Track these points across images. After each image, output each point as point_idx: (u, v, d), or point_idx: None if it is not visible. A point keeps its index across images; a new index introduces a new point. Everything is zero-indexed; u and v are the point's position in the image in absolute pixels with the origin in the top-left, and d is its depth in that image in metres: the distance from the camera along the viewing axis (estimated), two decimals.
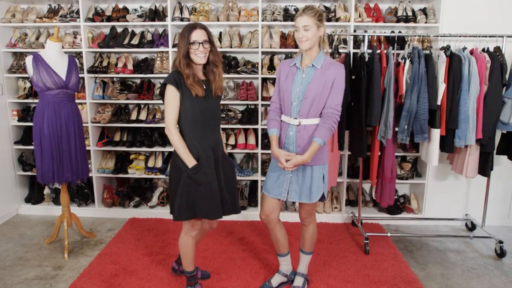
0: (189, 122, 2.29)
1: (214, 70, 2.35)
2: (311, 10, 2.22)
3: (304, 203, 2.42)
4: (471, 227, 3.68)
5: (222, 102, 3.72)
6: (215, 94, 2.36)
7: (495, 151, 3.26)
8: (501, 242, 3.17)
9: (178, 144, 2.26)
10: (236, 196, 2.54)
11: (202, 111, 2.29)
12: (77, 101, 3.71)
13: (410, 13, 3.61)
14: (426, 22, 3.54)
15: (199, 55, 2.24)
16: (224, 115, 3.76)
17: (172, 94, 2.24)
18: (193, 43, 2.22)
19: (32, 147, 3.76)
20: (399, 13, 3.61)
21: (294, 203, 3.87)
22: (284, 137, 2.37)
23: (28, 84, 3.95)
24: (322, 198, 2.40)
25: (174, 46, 3.68)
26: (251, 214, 3.81)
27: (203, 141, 2.31)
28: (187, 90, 2.23)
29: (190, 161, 2.26)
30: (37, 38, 3.87)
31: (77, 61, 3.57)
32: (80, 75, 3.68)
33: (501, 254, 3.17)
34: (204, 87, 2.31)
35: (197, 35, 2.23)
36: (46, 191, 4.04)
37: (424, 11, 3.65)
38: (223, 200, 2.39)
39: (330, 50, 3.45)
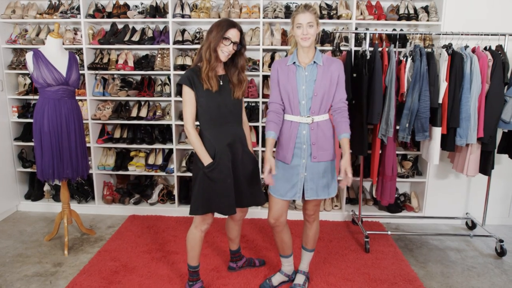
0: (206, 119, 2.33)
1: (241, 76, 2.38)
2: (312, 8, 2.23)
3: (313, 199, 2.41)
4: (472, 225, 3.67)
5: None
6: (236, 96, 2.38)
7: (496, 150, 3.25)
8: (501, 241, 3.17)
9: (195, 142, 2.31)
10: (257, 188, 2.54)
11: (218, 107, 2.32)
12: (77, 97, 3.71)
13: (412, 11, 3.60)
14: (428, 20, 3.53)
15: (225, 53, 2.26)
16: None
17: (188, 93, 2.28)
18: (226, 38, 2.23)
19: (32, 143, 3.75)
20: (401, 11, 3.60)
21: (294, 201, 3.87)
22: (295, 136, 2.32)
23: (28, 81, 3.94)
24: None
25: (175, 43, 3.67)
26: (251, 212, 3.78)
27: (219, 137, 2.34)
28: (201, 87, 2.26)
29: (205, 159, 2.30)
30: (37, 34, 3.85)
31: (78, 57, 3.57)
32: (81, 72, 3.66)
33: (501, 253, 3.17)
34: (221, 83, 2.33)
35: (234, 34, 2.26)
36: (46, 187, 4.03)
37: (426, 9, 3.63)
38: (241, 194, 2.42)
39: (331, 48, 3.45)
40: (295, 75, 2.30)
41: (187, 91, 2.28)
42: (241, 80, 2.38)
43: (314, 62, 2.28)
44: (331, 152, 2.36)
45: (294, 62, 2.31)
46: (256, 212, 3.80)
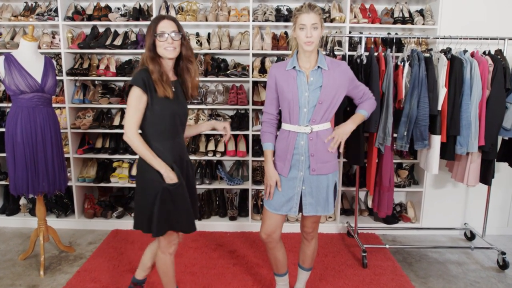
0: (158, 130, 2.06)
1: (188, 66, 2.12)
2: (317, 8, 2.05)
3: (311, 216, 2.23)
4: (470, 236, 3.55)
5: (211, 106, 3.56)
6: (192, 94, 2.16)
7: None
8: (503, 253, 3.04)
9: (146, 153, 2.00)
10: (196, 202, 2.34)
11: (173, 117, 2.07)
12: (55, 105, 3.51)
13: (406, 15, 3.47)
14: (423, 24, 3.41)
15: (168, 48, 2.01)
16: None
17: (137, 96, 1.98)
18: (160, 34, 1.98)
19: (4, 154, 3.50)
20: (396, 15, 3.48)
21: None
22: (293, 147, 2.16)
23: (1, 87, 3.69)
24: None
25: None
26: (241, 225, 3.62)
27: (173, 150, 2.09)
28: (156, 93, 2.00)
29: (167, 170, 2.02)
30: (12, 38, 3.62)
31: (55, 62, 3.35)
32: (59, 78, 3.48)
33: (503, 266, 3.04)
34: (174, 89, 2.08)
35: (165, 25, 2.00)
36: (22, 201, 3.78)
37: (421, 12, 3.52)
38: None
39: (324, 52, 3.30)
40: (295, 81, 2.12)
41: (138, 94, 1.97)
42: (190, 70, 2.12)
43: (319, 67, 2.11)
44: (332, 164, 2.19)
45: (294, 67, 2.13)
46: (247, 225, 3.61)
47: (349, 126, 2.21)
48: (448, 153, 3.00)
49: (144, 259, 2.39)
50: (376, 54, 3.02)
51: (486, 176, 3.09)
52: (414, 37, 3.17)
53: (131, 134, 1.99)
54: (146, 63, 2.02)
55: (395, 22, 3.43)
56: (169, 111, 2.05)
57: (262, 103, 3.51)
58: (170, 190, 2.04)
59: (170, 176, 2.03)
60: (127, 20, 3.50)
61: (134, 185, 3.68)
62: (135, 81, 1.98)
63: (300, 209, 2.22)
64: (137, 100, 1.98)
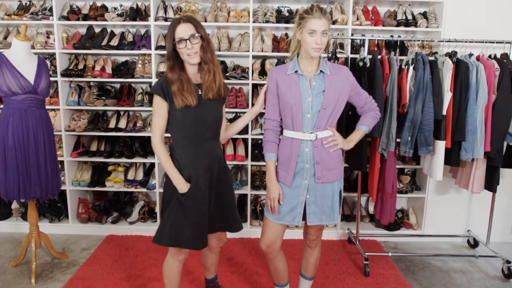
0: (180, 136, 2.05)
1: (204, 68, 2.04)
2: (328, 13, 1.95)
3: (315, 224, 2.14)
4: (474, 244, 3.47)
5: None
6: (205, 96, 2.04)
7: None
8: (508, 262, 2.97)
9: (164, 161, 2.04)
10: (231, 212, 2.26)
11: (195, 123, 2.01)
12: (50, 107, 3.44)
13: (410, 17, 3.40)
14: (427, 27, 3.34)
15: (190, 54, 1.96)
16: None
17: (158, 104, 2.02)
18: (178, 41, 1.94)
19: None
20: (399, 17, 3.40)
21: None
22: (297, 155, 2.06)
23: None
24: None
25: (157, 48, 3.39)
26: (241, 231, 3.52)
27: (196, 158, 2.04)
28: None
29: (178, 181, 2.01)
30: (5, 37, 3.52)
31: (49, 63, 3.26)
32: (54, 79, 3.39)
33: (509, 275, 2.97)
34: (200, 92, 2.04)
35: (182, 31, 1.94)
36: (14, 205, 3.68)
37: (424, 15, 3.45)
38: (212, 219, 2.14)
39: (326, 55, 3.22)
40: (298, 85, 2.02)
41: (159, 102, 2.01)
42: (206, 70, 2.03)
43: (321, 71, 2.03)
44: (338, 171, 2.11)
45: (296, 71, 2.04)
46: (246, 232, 3.51)
47: (350, 144, 2.18)
48: (453, 159, 2.93)
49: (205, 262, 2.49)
50: (379, 57, 2.95)
51: (491, 183, 3.02)
52: (418, 40, 3.09)
53: (155, 141, 2.03)
54: (168, 71, 2.02)
55: (398, 25, 3.36)
56: (190, 117, 2.01)
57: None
58: (180, 200, 2.02)
59: (181, 188, 2.02)
60: (124, 20, 3.41)
61: (129, 190, 3.61)
62: (154, 89, 2.02)
63: (304, 217, 2.14)
64: (158, 107, 2.02)
